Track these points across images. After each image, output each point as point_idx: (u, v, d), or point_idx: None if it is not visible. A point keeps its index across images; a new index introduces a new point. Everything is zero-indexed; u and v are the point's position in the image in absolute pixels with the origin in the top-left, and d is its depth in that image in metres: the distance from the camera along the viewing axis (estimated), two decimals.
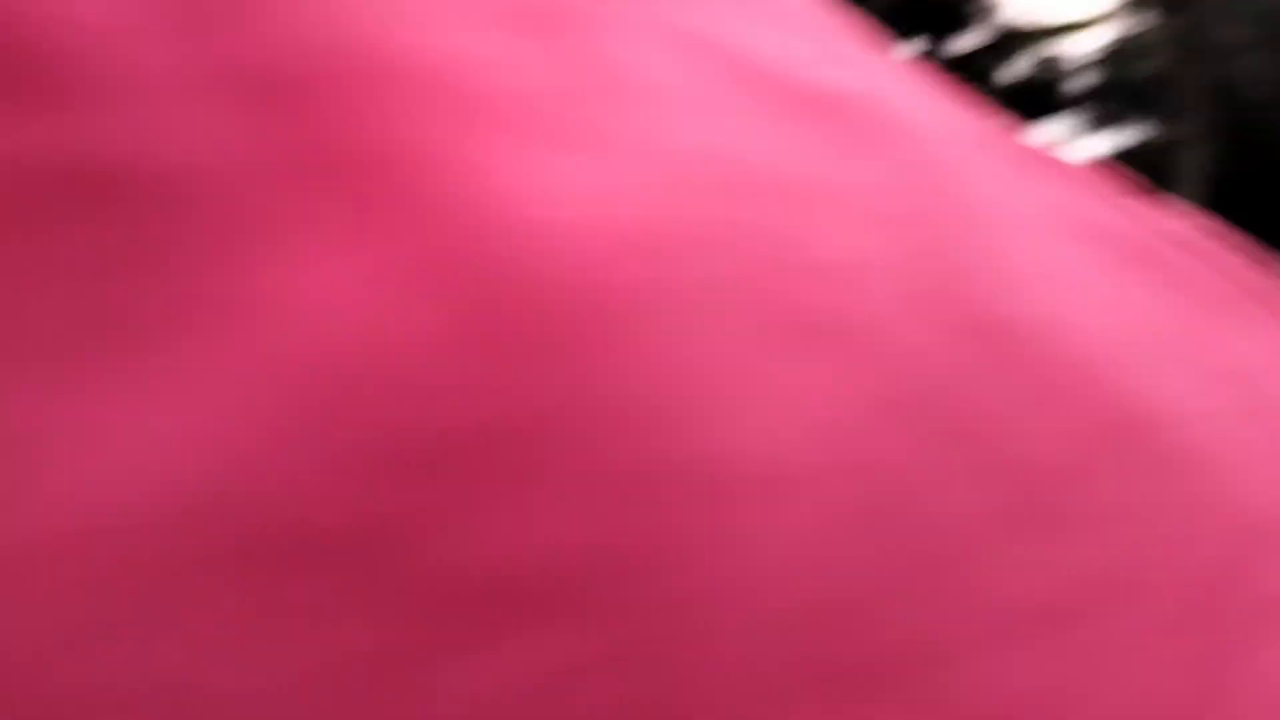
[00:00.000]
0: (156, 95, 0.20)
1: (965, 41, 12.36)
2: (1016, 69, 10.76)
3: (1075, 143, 12.40)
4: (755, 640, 0.20)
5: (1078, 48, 11.65)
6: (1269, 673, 0.27)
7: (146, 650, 0.16)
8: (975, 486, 0.24)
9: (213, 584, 0.17)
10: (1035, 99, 10.73)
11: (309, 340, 0.19)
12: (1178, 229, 0.40)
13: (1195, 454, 0.30)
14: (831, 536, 0.21)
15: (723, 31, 0.29)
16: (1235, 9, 9.79)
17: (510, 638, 0.18)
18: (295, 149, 0.20)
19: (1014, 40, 11.53)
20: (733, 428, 0.21)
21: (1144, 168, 12.22)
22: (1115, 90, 11.20)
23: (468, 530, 0.19)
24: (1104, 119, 12.05)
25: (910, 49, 12.31)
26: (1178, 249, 0.38)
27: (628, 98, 0.25)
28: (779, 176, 0.26)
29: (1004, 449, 0.25)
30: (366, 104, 0.21)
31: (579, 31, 0.26)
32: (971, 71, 10.90)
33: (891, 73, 0.35)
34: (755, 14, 0.31)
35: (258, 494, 0.18)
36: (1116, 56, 10.79)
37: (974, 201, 0.30)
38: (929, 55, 12.77)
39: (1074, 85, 10.87)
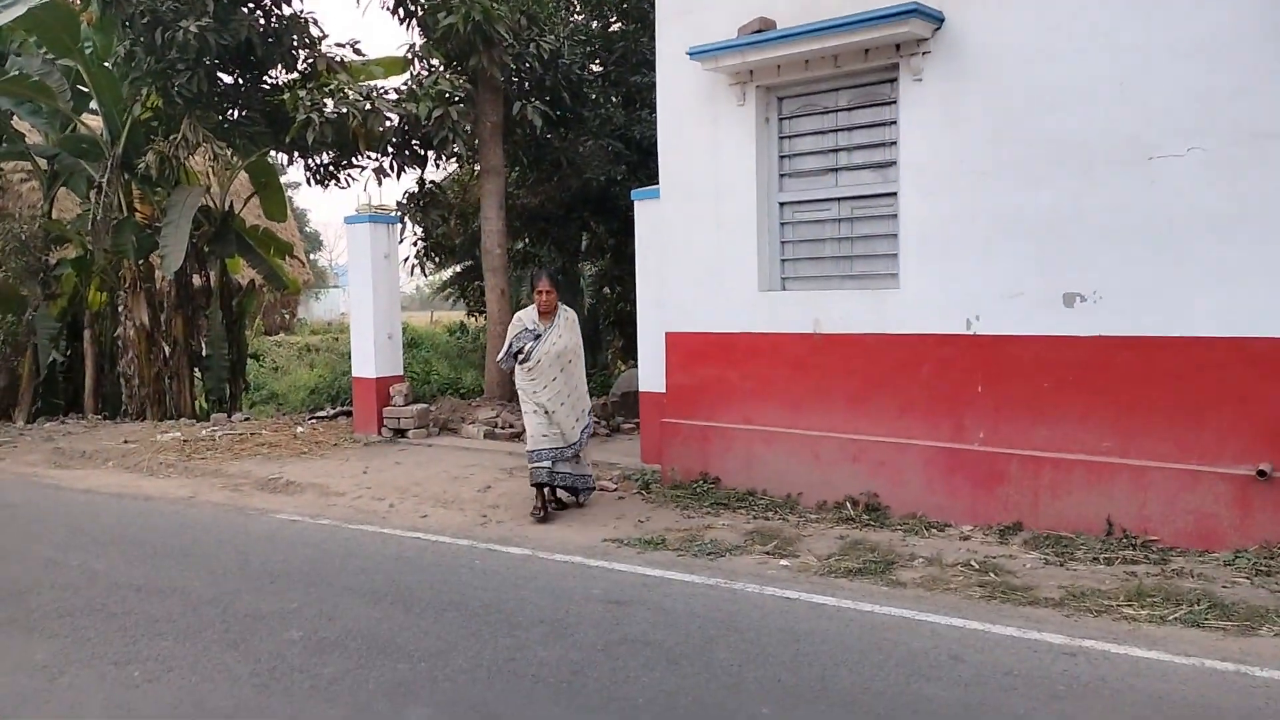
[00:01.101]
0: None
1: (284, 74, 12.49)
2: (334, 103, 10.85)
3: (386, 176, 12.87)
4: None
5: (386, 85, 11.96)
6: None
7: None
8: None
9: None
10: (350, 134, 11.03)
11: None
12: None
13: None
14: None
15: None
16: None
17: None
18: None
19: (329, 75, 11.61)
20: None
21: (459, 195, 12.25)
22: (417, 128, 11.67)
23: None
24: (410, 155, 12.54)
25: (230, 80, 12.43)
26: None
27: None
28: None
29: None
30: None
31: None
32: (291, 102, 11.11)
33: None
34: None
35: None
36: (415, 96, 11.15)
37: None
38: (248, 87, 12.87)
39: (383, 123, 11.11)
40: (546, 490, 7.57)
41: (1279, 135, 5.69)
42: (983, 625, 4.90)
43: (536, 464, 7.46)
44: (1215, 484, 5.97)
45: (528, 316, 7.63)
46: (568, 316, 7.68)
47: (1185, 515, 6.06)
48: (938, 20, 6.78)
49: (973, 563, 5.94)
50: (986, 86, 6.68)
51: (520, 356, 7.50)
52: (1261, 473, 5.79)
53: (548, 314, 7.57)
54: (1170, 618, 4.92)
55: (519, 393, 7.67)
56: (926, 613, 5.11)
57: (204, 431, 12.03)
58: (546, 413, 7.45)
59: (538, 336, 7.49)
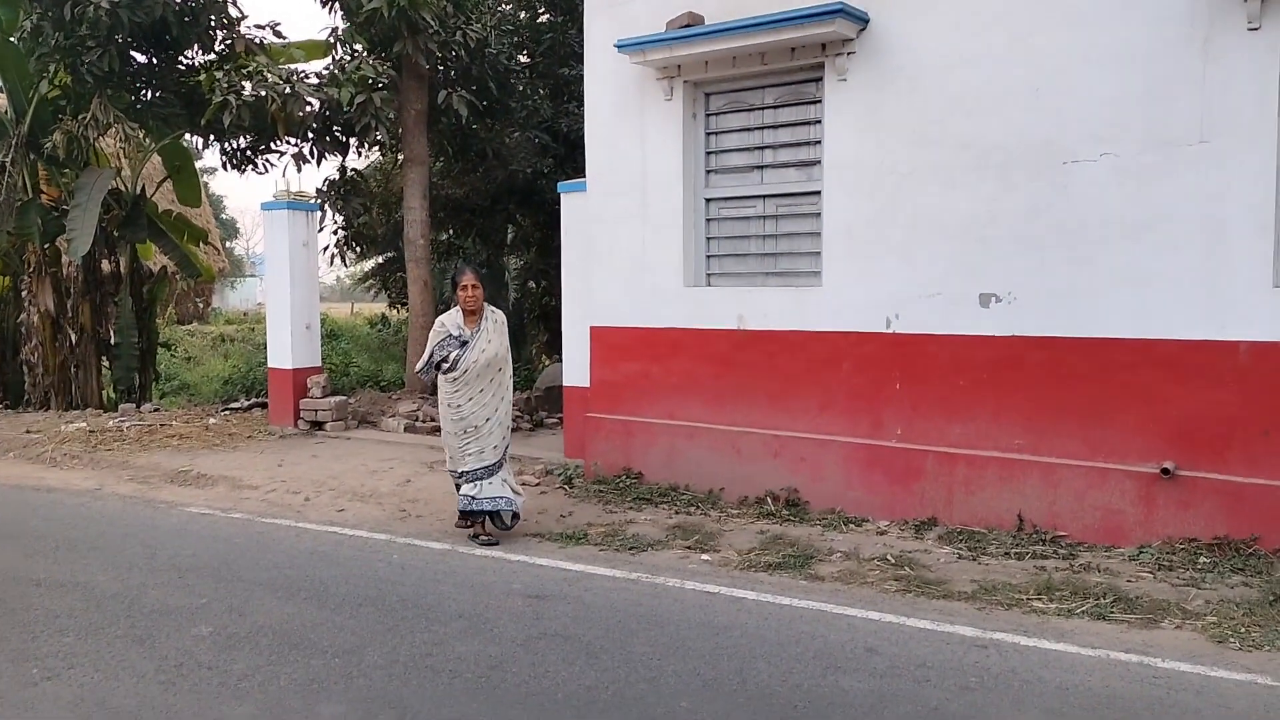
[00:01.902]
0: None
1: (201, 55, 12.45)
2: (252, 86, 10.90)
3: (307, 165, 12.85)
4: None
5: (307, 69, 12.01)
6: None
7: None
8: None
9: None
10: (268, 118, 11.05)
11: None
12: None
13: None
14: None
15: None
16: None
17: None
18: None
19: (248, 56, 11.65)
20: None
21: (382, 183, 12.30)
22: (338, 114, 11.81)
23: None
24: (331, 141, 12.64)
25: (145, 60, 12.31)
26: None
27: None
28: None
29: None
30: None
31: None
32: (207, 84, 11.03)
33: None
34: None
35: None
36: (336, 81, 11.24)
37: None
38: (162, 67, 12.79)
39: (303, 107, 11.17)
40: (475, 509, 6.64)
41: (1187, 143, 5.88)
42: (898, 618, 4.98)
43: (461, 483, 6.69)
44: (1122, 481, 6.16)
45: (451, 321, 6.71)
46: (496, 319, 6.78)
47: (1093, 511, 6.24)
48: (863, 21, 6.86)
49: (889, 557, 6.04)
50: (908, 89, 6.79)
51: (445, 366, 6.65)
52: (1165, 471, 5.99)
53: (474, 314, 6.68)
54: (1077, 611, 5.07)
55: (440, 405, 6.82)
56: (843, 606, 5.18)
57: (111, 422, 11.65)
58: (465, 431, 6.62)
59: (464, 343, 6.61)
